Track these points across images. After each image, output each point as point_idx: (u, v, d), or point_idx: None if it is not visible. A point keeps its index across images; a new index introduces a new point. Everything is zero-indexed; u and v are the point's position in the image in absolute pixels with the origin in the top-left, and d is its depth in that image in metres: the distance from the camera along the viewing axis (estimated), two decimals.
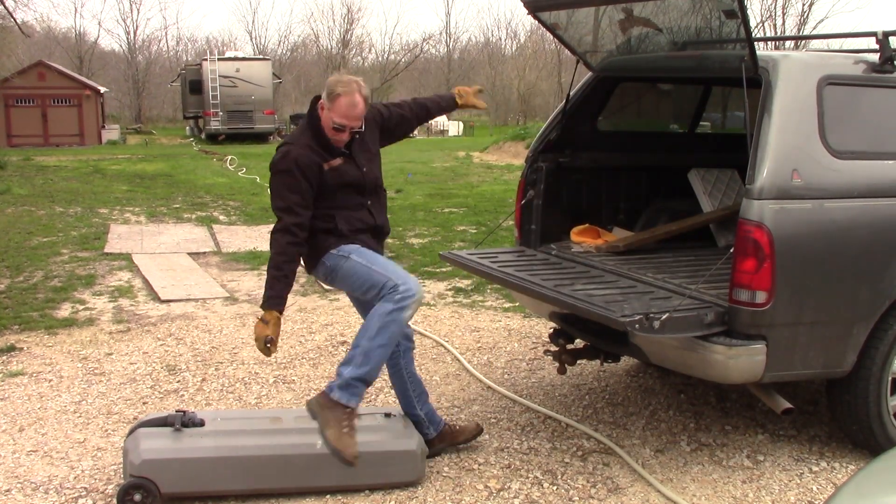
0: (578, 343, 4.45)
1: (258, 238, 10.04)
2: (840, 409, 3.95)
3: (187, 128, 36.34)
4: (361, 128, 3.58)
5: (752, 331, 3.52)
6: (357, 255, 3.57)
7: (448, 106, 4.12)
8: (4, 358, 5.46)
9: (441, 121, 39.30)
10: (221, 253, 9.11)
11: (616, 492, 3.68)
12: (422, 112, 4.01)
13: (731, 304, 3.55)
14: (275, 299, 3.52)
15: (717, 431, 4.33)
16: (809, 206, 3.58)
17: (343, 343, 5.78)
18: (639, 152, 5.24)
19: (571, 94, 4.78)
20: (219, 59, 31.57)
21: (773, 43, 19.74)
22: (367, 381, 3.41)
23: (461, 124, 39.58)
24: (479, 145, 27.15)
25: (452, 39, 56.21)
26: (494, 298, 7.03)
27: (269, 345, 3.48)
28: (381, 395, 4.83)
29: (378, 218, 3.69)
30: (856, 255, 3.68)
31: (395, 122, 3.89)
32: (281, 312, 3.54)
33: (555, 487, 3.71)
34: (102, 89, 34.57)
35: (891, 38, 3.91)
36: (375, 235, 3.71)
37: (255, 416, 3.97)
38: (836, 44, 29.26)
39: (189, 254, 8.91)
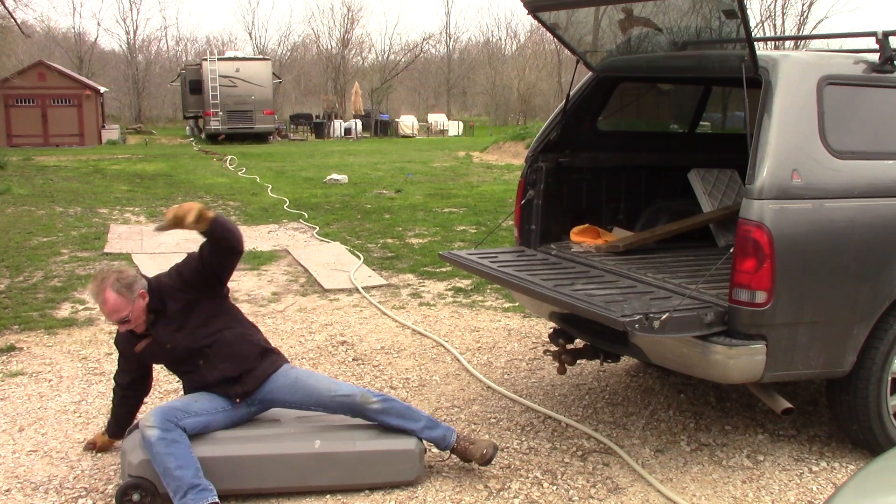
0: (578, 343, 4.45)
1: (258, 238, 10.05)
2: (840, 409, 3.95)
3: (187, 128, 36.32)
4: (127, 318, 3.58)
5: (752, 331, 3.52)
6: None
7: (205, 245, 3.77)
8: (4, 358, 5.46)
9: (441, 120, 39.31)
10: None
11: (616, 492, 3.68)
12: (204, 254, 3.72)
13: (731, 304, 3.55)
14: (111, 427, 4.05)
15: (717, 431, 4.33)
16: (809, 206, 3.58)
17: (343, 343, 5.79)
18: (639, 152, 5.24)
19: (571, 94, 4.79)
20: (219, 59, 31.52)
21: (773, 43, 19.74)
22: (185, 489, 3.33)
23: (461, 124, 39.55)
24: (479, 145, 27.15)
25: (452, 39, 56.19)
26: (494, 298, 7.03)
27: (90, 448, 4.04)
28: None
29: (212, 375, 3.64)
30: (856, 254, 3.68)
31: (193, 268, 3.70)
32: (118, 438, 3.96)
33: (555, 487, 3.71)
34: (102, 89, 34.55)
35: (891, 38, 3.91)
36: (222, 388, 3.66)
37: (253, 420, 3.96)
38: (836, 44, 29.26)
39: (189, 254, 8.89)
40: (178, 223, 3.42)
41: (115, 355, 5.45)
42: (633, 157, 5.20)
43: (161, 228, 3.49)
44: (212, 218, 3.48)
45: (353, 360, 5.46)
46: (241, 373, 3.69)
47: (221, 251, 3.64)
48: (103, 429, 4.22)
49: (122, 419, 4.01)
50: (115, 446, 3.99)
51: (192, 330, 3.66)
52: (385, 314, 6.55)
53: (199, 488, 3.35)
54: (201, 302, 3.69)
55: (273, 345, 3.97)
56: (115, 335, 3.93)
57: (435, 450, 4.05)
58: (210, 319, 3.69)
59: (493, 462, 3.83)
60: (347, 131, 34.59)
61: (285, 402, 3.76)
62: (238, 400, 3.69)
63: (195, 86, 31.89)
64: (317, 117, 37.45)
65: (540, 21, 4.38)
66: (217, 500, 3.38)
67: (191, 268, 3.70)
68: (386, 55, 53.57)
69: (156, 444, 3.38)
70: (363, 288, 7.35)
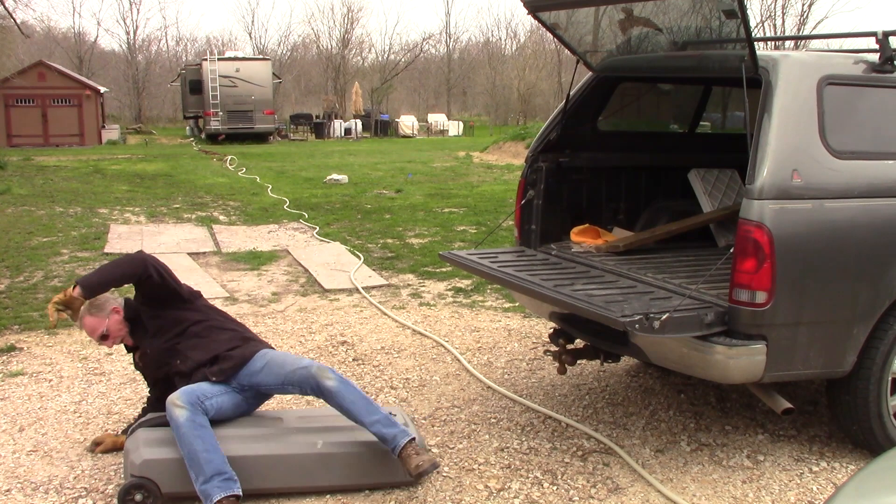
0: (578, 343, 4.45)
1: (258, 238, 10.05)
2: (840, 409, 3.95)
3: (187, 128, 36.32)
4: (106, 336, 3.89)
5: (753, 331, 3.52)
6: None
7: None
8: (4, 358, 5.46)
9: (441, 120, 39.32)
10: (221, 253, 9.11)
11: (616, 492, 3.68)
12: None
13: (731, 304, 3.55)
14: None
15: (717, 431, 4.33)
16: (809, 206, 3.58)
17: (343, 343, 5.79)
18: (639, 152, 5.24)
19: (571, 94, 4.79)
20: (219, 59, 31.51)
21: (773, 43, 19.74)
22: (210, 474, 3.37)
23: (461, 124, 39.55)
24: (479, 145, 27.15)
25: (452, 39, 56.20)
26: (494, 298, 7.03)
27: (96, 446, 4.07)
28: (381, 396, 4.83)
29: (187, 366, 3.80)
30: (856, 255, 3.68)
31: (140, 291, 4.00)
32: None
33: (555, 487, 3.71)
34: (102, 89, 34.54)
35: (891, 38, 3.91)
36: (200, 373, 3.79)
37: (255, 416, 3.97)
38: (836, 44, 29.26)
39: (189, 254, 8.91)
40: (63, 318, 3.84)
41: (116, 356, 5.48)
42: (633, 157, 5.20)
43: (76, 321, 3.92)
44: (78, 293, 3.74)
45: (353, 360, 5.47)
46: (213, 356, 3.78)
47: (135, 286, 3.95)
48: (107, 429, 4.25)
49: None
50: (119, 444, 3.99)
51: (163, 332, 3.89)
52: (385, 314, 6.55)
53: (226, 476, 3.37)
54: (168, 309, 3.93)
55: (262, 339, 4.01)
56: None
57: (436, 450, 4.06)
58: (178, 321, 3.90)
59: (492, 462, 3.82)
60: (347, 131, 34.59)
61: (265, 384, 3.77)
62: (214, 378, 3.71)
63: (195, 86, 31.89)
64: (317, 117, 37.45)
65: (540, 21, 4.38)
66: (241, 493, 3.38)
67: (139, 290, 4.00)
68: (386, 55, 53.62)
69: (184, 425, 3.41)
70: (363, 288, 7.36)
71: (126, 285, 3.96)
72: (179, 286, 3.99)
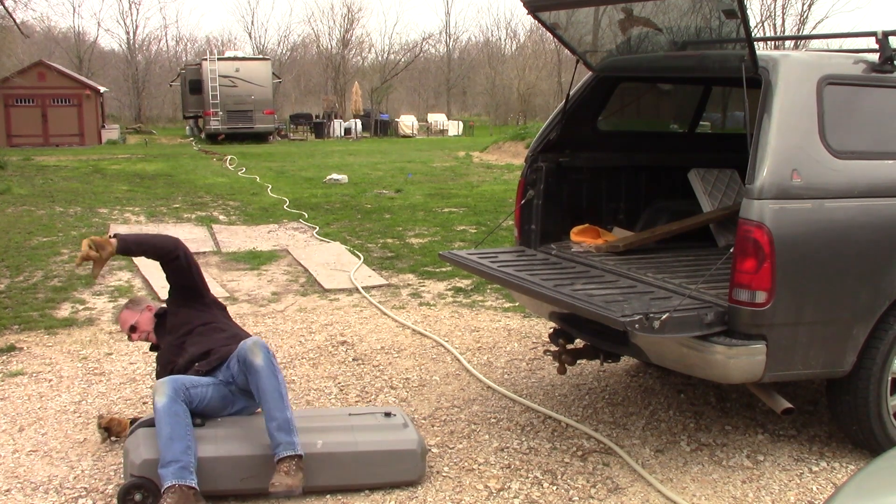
0: (578, 343, 4.45)
1: (258, 238, 10.05)
2: (840, 409, 3.95)
3: (187, 127, 36.32)
4: (134, 329, 4.20)
5: (752, 331, 3.52)
6: None
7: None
8: (4, 358, 5.46)
9: (441, 120, 39.31)
10: (221, 253, 9.11)
11: (616, 492, 3.68)
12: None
13: (731, 304, 3.55)
14: None
15: (717, 431, 4.33)
16: (809, 205, 3.58)
17: (343, 343, 5.79)
18: (639, 152, 5.24)
19: (571, 94, 4.79)
20: (218, 59, 31.52)
21: (773, 43, 19.74)
22: (168, 460, 3.39)
23: (461, 124, 39.55)
24: (479, 145, 27.15)
25: (452, 39, 56.22)
26: (494, 298, 7.03)
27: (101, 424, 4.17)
28: (381, 395, 4.84)
29: (183, 359, 3.97)
30: (856, 254, 3.68)
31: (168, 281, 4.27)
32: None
33: (555, 487, 3.71)
34: (102, 89, 34.55)
35: (891, 38, 3.91)
36: (192, 370, 3.91)
37: (256, 416, 3.96)
38: (836, 44, 29.26)
39: None
40: (90, 259, 3.96)
41: (116, 356, 5.48)
42: (633, 157, 5.20)
43: (94, 275, 4.11)
44: (114, 242, 3.97)
45: (353, 360, 5.46)
46: (205, 351, 3.93)
47: (162, 265, 4.17)
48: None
49: None
50: (123, 424, 4.09)
51: (175, 330, 4.12)
52: (385, 314, 6.55)
53: (181, 464, 3.39)
54: (184, 307, 4.17)
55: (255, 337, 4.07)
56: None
57: (435, 450, 4.06)
58: (188, 321, 4.12)
59: (492, 462, 3.83)
60: (347, 131, 34.59)
61: (234, 373, 3.79)
62: (198, 367, 3.84)
63: (195, 86, 31.89)
64: (317, 117, 37.45)
65: (540, 21, 4.38)
66: (195, 486, 3.37)
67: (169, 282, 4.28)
68: (386, 55, 53.61)
69: (160, 410, 3.52)
70: (363, 288, 7.35)
71: (154, 259, 4.17)
72: (206, 289, 4.25)
